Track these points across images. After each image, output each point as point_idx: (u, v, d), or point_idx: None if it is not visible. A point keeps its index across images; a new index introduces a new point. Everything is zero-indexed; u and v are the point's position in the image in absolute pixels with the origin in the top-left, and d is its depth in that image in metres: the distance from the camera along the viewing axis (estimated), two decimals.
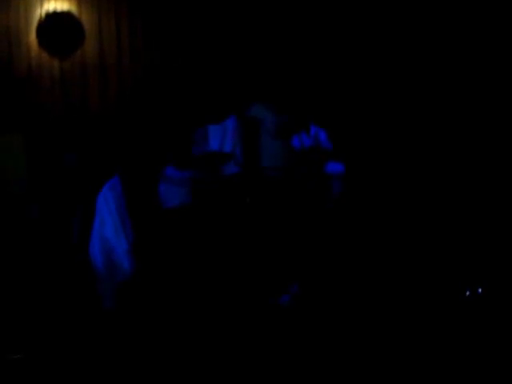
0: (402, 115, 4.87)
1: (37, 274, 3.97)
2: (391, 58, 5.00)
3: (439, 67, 4.68)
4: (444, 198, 4.46)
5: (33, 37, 5.14)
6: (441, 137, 4.56)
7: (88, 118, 5.29)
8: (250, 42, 5.27)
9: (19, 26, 5.12)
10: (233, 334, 3.05)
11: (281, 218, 3.42)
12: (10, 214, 4.27)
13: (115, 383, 3.21)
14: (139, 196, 3.34)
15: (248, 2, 5.36)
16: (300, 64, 5.17)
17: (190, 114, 3.22)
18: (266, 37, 5.27)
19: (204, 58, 5.31)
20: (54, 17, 5.15)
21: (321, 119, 4.63)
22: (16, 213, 4.30)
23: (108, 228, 3.27)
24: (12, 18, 5.09)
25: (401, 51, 4.96)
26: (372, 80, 5.11)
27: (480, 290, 3.69)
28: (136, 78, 5.32)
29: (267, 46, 5.23)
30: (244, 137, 3.46)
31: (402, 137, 4.83)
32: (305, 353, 3.36)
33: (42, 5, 5.14)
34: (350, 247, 4.37)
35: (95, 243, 3.32)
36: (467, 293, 3.76)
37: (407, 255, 4.38)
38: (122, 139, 5.00)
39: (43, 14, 5.13)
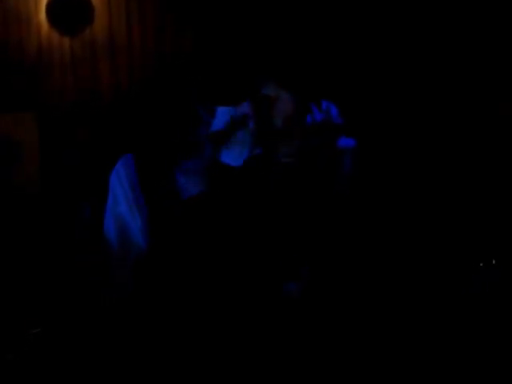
0: (414, 90, 4.84)
1: (46, 253, 4.03)
2: (404, 33, 4.96)
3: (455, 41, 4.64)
4: (458, 175, 4.45)
5: (42, 15, 5.15)
6: (457, 112, 4.53)
7: (99, 95, 5.31)
8: (262, 19, 5.26)
9: (28, 5, 5.12)
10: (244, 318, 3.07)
11: (297, 202, 3.45)
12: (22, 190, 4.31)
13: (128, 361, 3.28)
14: (152, 175, 3.35)
15: None
16: (311, 39, 5.14)
17: (201, 95, 3.19)
18: (278, 15, 5.25)
19: (216, 38, 5.31)
20: None
21: (332, 93, 4.62)
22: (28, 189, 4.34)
23: (121, 204, 3.26)
24: None
25: (416, 25, 4.92)
26: (383, 54, 5.08)
27: (494, 262, 3.71)
28: (146, 56, 5.33)
29: (278, 23, 5.21)
30: (260, 120, 3.45)
31: (414, 111, 4.81)
32: (313, 343, 3.40)
33: None
34: (363, 227, 4.39)
35: (109, 220, 3.32)
36: (481, 264, 3.77)
37: (419, 232, 4.40)
38: (134, 117, 5.03)
39: None
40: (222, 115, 3.31)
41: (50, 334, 3.53)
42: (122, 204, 3.35)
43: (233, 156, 3.19)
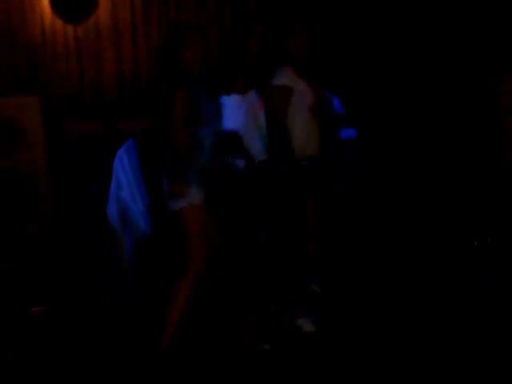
0: (415, 81, 4.85)
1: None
2: (404, 24, 4.97)
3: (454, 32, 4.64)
4: (455, 162, 4.46)
5: (46, 2, 5.15)
6: (456, 103, 4.54)
7: (103, 82, 5.33)
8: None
9: None
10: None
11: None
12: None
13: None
14: (152, 162, 3.41)
15: None
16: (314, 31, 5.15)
17: (205, 83, 3.22)
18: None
19: (221, 24, 5.34)
20: None
21: (333, 85, 4.64)
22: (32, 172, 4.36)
23: (124, 188, 3.35)
24: None
25: (415, 17, 4.92)
26: (384, 46, 5.09)
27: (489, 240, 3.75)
28: (150, 44, 5.34)
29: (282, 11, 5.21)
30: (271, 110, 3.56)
31: (415, 102, 4.83)
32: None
33: None
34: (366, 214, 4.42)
35: (112, 203, 3.40)
36: (475, 243, 3.81)
37: (418, 217, 4.42)
38: (137, 104, 5.06)
39: None
40: (230, 105, 3.40)
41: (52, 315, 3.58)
42: (124, 188, 3.46)
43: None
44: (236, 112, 3.41)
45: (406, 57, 4.93)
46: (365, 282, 4.04)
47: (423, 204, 4.45)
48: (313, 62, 3.73)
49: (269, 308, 3.54)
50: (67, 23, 5.25)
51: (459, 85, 4.39)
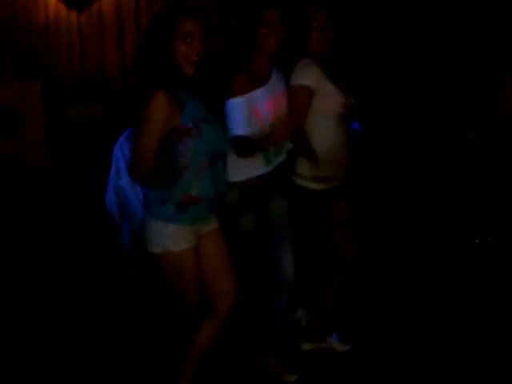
0: (417, 79, 4.78)
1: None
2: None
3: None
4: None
5: None
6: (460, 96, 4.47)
7: (105, 69, 5.29)
8: None
9: None
10: None
11: None
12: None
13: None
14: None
15: None
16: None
17: (212, 75, 3.01)
18: None
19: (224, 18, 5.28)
20: None
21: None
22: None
23: (123, 177, 3.29)
24: None
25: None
26: (384, 37, 5.00)
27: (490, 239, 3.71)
28: None
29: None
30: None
31: (417, 94, 4.76)
32: None
33: None
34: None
35: (111, 191, 3.35)
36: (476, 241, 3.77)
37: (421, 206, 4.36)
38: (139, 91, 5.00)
39: None
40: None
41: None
42: (123, 176, 3.39)
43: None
44: (238, 116, 2.89)
45: (410, 54, 4.84)
46: (367, 282, 3.98)
47: (424, 202, 4.40)
48: (339, 58, 3.23)
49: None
50: (70, 10, 5.22)
51: (461, 83, 4.31)
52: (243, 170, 2.91)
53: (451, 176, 4.30)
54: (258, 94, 2.93)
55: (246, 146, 2.85)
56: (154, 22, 2.54)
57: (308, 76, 3.02)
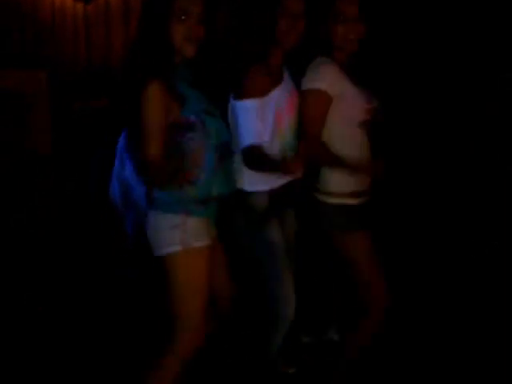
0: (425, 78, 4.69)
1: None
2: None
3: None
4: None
5: None
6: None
7: (111, 60, 5.27)
8: None
9: None
10: None
11: None
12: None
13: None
14: None
15: None
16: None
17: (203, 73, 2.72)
18: None
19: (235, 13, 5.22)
20: None
21: None
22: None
23: (127, 169, 3.23)
24: None
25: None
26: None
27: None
28: None
29: None
30: None
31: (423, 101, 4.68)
32: None
33: None
34: None
35: (115, 183, 3.31)
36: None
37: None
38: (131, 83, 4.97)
39: None
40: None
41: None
42: (128, 168, 3.30)
43: None
44: (251, 119, 2.49)
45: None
46: None
47: (432, 204, 4.34)
48: (364, 55, 2.71)
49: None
50: (77, 0, 5.20)
51: (468, 83, 4.23)
52: (270, 176, 2.55)
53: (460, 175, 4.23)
54: (276, 94, 2.53)
55: (261, 162, 2.48)
56: (147, 4, 2.28)
57: (325, 78, 2.54)
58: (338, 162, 2.56)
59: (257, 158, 2.48)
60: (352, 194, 2.62)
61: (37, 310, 3.44)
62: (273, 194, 2.60)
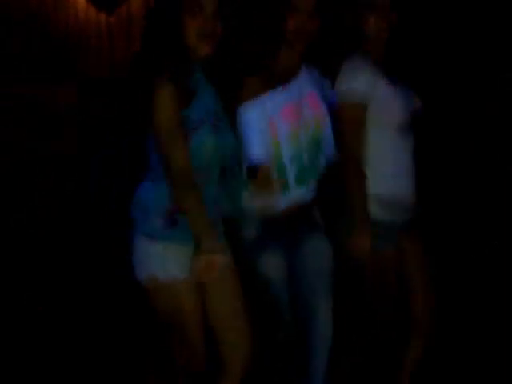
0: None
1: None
2: None
3: None
4: None
5: None
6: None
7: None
8: None
9: None
10: None
11: None
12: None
13: None
14: None
15: None
16: None
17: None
18: None
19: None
20: None
21: None
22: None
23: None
24: None
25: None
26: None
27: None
28: None
29: None
30: None
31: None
32: None
33: None
34: None
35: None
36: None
37: None
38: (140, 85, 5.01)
39: None
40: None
41: None
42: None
43: None
44: (251, 130, 2.26)
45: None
46: None
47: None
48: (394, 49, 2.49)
49: None
50: (100, 12, 5.28)
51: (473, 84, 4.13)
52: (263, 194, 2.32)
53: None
54: (270, 97, 2.27)
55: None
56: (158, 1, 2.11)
57: (360, 78, 2.28)
58: (363, 211, 2.27)
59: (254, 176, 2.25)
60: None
61: (37, 309, 3.47)
62: (269, 221, 2.32)
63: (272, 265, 2.32)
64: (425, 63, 3.95)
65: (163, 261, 1.99)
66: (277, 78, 2.30)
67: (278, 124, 2.25)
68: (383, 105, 2.31)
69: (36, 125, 4.47)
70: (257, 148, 2.23)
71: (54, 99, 4.52)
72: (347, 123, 2.28)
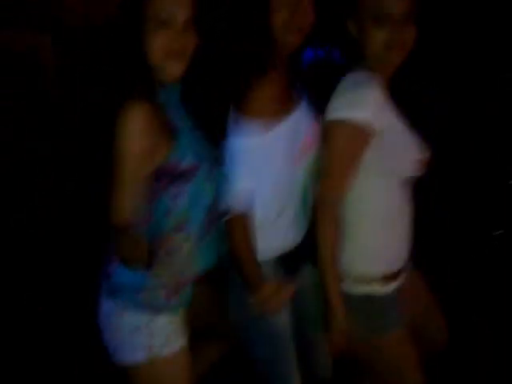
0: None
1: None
2: None
3: None
4: None
5: None
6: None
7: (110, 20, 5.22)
8: None
9: None
10: None
11: None
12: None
13: None
14: None
15: None
16: None
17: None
18: None
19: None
20: None
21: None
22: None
23: None
24: None
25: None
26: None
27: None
28: None
29: None
30: None
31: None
32: None
33: None
34: None
35: None
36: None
37: None
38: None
39: None
40: None
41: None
42: None
43: None
44: (252, 158, 1.74)
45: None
46: None
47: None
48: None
49: None
50: None
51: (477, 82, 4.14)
52: (273, 244, 1.88)
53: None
54: (298, 117, 1.80)
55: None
56: (120, 9, 1.70)
57: (366, 105, 1.65)
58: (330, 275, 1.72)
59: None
60: (385, 279, 1.83)
61: (37, 309, 3.47)
62: (282, 260, 1.91)
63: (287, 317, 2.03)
64: (425, 63, 3.97)
65: (167, 335, 1.77)
66: (278, 99, 1.84)
67: (303, 156, 1.81)
68: (390, 145, 1.70)
69: (36, 125, 4.45)
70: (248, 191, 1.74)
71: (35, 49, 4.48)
72: (336, 157, 1.69)
